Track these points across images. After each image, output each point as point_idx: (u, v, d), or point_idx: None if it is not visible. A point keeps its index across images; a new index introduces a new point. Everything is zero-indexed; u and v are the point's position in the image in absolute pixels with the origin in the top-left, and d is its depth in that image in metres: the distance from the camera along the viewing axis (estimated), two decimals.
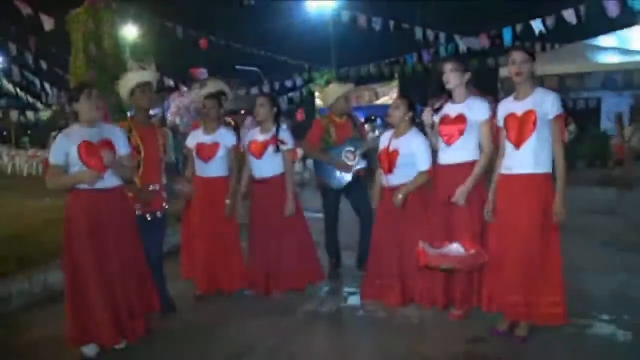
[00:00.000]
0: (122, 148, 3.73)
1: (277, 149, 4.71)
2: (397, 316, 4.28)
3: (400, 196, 4.29)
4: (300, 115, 16.87)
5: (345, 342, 3.94)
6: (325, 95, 5.42)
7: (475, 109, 3.98)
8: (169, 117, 13.09)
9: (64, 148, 3.51)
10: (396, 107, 4.42)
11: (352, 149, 5.11)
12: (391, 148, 4.40)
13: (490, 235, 3.81)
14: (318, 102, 17.37)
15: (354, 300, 4.71)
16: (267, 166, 4.76)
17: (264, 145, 4.73)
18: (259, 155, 4.75)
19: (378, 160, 4.57)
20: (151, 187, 4.02)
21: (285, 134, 4.80)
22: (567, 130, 15.74)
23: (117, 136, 3.74)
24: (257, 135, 4.82)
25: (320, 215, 5.47)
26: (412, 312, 4.31)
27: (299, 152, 19.82)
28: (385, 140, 4.52)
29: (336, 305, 4.66)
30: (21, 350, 3.92)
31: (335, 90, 5.30)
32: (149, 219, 4.08)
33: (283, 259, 4.75)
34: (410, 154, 4.32)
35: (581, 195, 9.99)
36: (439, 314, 4.23)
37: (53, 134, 3.42)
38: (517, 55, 3.61)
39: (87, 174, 3.47)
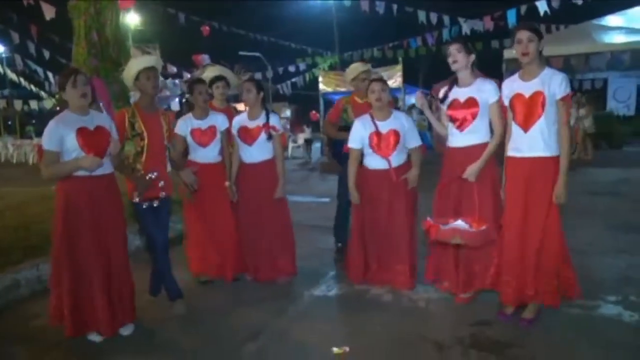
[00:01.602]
0: (113, 135, 3.71)
1: (270, 137, 4.71)
2: (403, 300, 4.29)
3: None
4: (315, 116, 16.91)
5: (352, 326, 3.94)
6: (348, 71, 5.40)
7: (485, 91, 3.92)
8: None
9: (59, 133, 3.44)
10: (383, 89, 4.41)
11: None
12: (384, 130, 4.41)
13: (504, 218, 3.77)
14: (322, 86, 17.26)
15: (360, 284, 4.70)
16: (257, 152, 4.76)
17: (256, 132, 4.72)
18: (251, 142, 4.74)
19: (367, 145, 4.51)
20: (148, 176, 4.00)
21: (275, 120, 4.80)
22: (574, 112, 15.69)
23: (107, 123, 3.72)
24: (246, 122, 4.79)
25: (325, 199, 5.46)
26: (418, 296, 4.33)
27: (301, 136, 19.86)
28: (367, 125, 4.47)
29: (343, 290, 4.66)
30: (30, 336, 3.95)
31: (357, 67, 5.31)
32: (144, 207, 4.06)
33: (274, 243, 4.81)
34: (405, 133, 4.41)
35: (587, 178, 9.99)
36: (445, 297, 4.24)
37: None
38: (523, 34, 3.51)
39: (89, 159, 3.43)
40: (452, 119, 4.05)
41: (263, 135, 4.70)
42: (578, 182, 9.05)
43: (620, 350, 3.36)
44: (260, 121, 4.74)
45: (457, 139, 4.06)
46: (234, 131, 4.82)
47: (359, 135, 4.50)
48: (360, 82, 5.21)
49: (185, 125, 4.72)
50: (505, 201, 3.77)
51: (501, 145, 3.86)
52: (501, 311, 3.81)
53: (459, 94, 4.03)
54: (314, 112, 15.25)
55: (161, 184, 4.08)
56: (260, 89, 4.82)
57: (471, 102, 3.95)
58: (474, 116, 3.94)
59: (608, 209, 7.47)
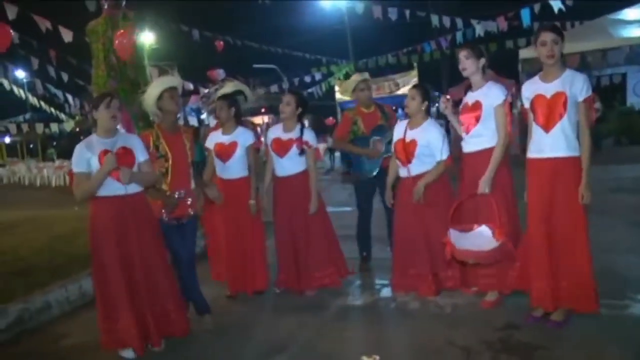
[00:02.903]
0: (140, 155, 3.76)
1: (302, 152, 4.71)
2: (430, 306, 4.28)
3: (421, 187, 4.29)
4: (331, 122, 16.96)
5: (379, 336, 3.93)
6: (346, 86, 5.46)
7: (491, 95, 3.95)
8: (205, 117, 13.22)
9: (85, 156, 3.57)
10: (412, 97, 4.41)
11: (378, 137, 5.13)
12: (408, 139, 4.39)
13: (530, 221, 3.74)
14: (338, 95, 17.31)
15: (386, 292, 4.71)
16: (290, 164, 4.76)
17: (289, 145, 4.72)
18: (283, 154, 4.74)
19: (394, 151, 4.56)
20: (177, 194, 4.05)
21: (309, 135, 4.78)
22: (595, 109, 15.48)
23: (135, 144, 3.78)
24: (280, 134, 4.80)
25: (347, 208, 5.48)
26: (444, 302, 4.30)
27: (322, 146, 19.93)
28: (400, 131, 4.50)
29: (368, 298, 4.66)
30: (60, 355, 4.02)
31: (354, 79, 5.36)
32: (176, 224, 4.11)
33: (312, 256, 4.76)
34: (428, 144, 4.33)
35: (609, 175, 9.85)
36: (471, 302, 4.22)
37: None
38: (548, 36, 3.50)
39: (109, 161, 3.49)
40: (462, 123, 4.11)
41: (295, 149, 4.71)
42: (599, 179, 8.92)
43: None
44: (294, 135, 4.74)
45: (466, 144, 4.12)
46: (268, 143, 4.86)
47: (394, 140, 4.55)
48: (360, 92, 5.23)
49: (211, 140, 4.83)
50: (529, 203, 3.75)
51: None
52: (530, 314, 3.78)
53: (470, 97, 4.08)
54: (330, 118, 15.25)
55: (189, 201, 4.13)
56: (301, 104, 4.79)
57: (476, 106, 4.00)
58: (477, 119, 3.98)
59: (631, 206, 7.36)
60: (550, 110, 3.54)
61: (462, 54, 3.99)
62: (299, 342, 3.87)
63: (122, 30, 6.48)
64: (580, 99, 3.49)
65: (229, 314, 4.56)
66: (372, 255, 5.48)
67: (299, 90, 8.37)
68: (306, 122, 5.03)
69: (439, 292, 4.41)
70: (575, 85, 3.48)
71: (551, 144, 3.55)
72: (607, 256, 4.71)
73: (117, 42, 6.41)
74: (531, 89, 3.68)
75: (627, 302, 3.99)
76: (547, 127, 3.56)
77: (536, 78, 3.70)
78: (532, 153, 3.69)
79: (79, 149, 3.59)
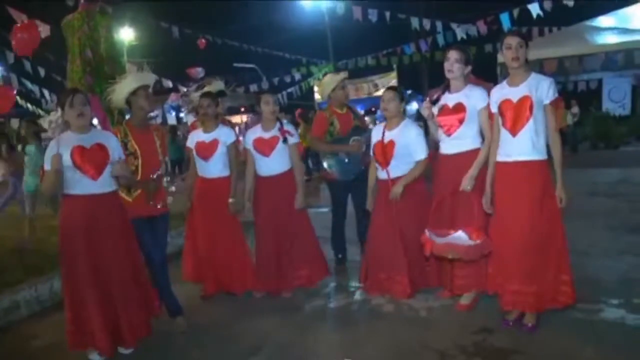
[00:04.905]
0: (116, 154, 3.70)
1: (285, 140, 4.68)
2: (404, 309, 4.27)
3: (399, 188, 4.29)
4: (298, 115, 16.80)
5: (355, 337, 3.92)
6: (322, 87, 5.41)
7: (474, 97, 3.96)
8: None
9: (52, 152, 3.49)
10: (390, 99, 4.40)
11: (358, 137, 5.09)
12: (386, 140, 4.39)
13: (492, 223, 3.79)
14: (317, 96, 17.28)
15: (361, 295, 4.69)
16: (275, 163, 4.72)
17: (274, 142, 4.69)
18: (269, 152, 4.70)
19: (373, 154, 4.55)
20: (152, 176, 4.00)
21: (289, 126, 4.83)
22: (570, 113, 15.74)
23: (110, 142, 3.71)
24: (261, 133, 4.76)
25: (324, 210, 5.45)
26: (419, 304, 4.30)
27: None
28: (378, 133, 4.49)
29: (344, 300, 4.65)
30: (31, 356, 3.94)
31: (331, 80, 5.28)
32: (159, 207, 4.08)
33: (293, 256, 4.74)
34: (406, 145, 4.33)
35: (585, 178, 9.99)
36: (446, 305, 4.23)
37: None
38: (513, 40, 3.56)
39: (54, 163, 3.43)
40: (441, 125, 4.09)
41: (281, 145, 4.68)
42: (576, 182, 9.04)
43: (625, 355, 3.34)
44: (275, 132, 4.73)
45: (446, 146, 4.11)
46: (248, 145, 4.79)
47: (372, 143, 4.53)
48: (340, 91, 5.20)
49: (192, 139, 4.79)
50: (495, 206, 3.77)
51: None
52: (505, 319, 3.78)
53: (449, 99, 4.07)
54: (298, 110, 14.97)
55: (165, 182, 4.08)
56: (278, 103, 4.86)
57: (459, 108, 3.99)
58: (460, 121, 3.98)
59: (608, 209, 7.45)
60: (517, 115, 3.58)
61: (454, 56, 3.95)
62: (274, 343, 3.85)
63: (21, 24, 6.29)
64: (547, 101, 3.54)
65: (203, 315, 4.51)
66: (348, 258, 5.46)
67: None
68: (284, 121, 4.99)
69: (414, 295, 4.40)
70: (540, 89, 3.53)
71: (518, 147, 3.59)
72: (582, 260, 4.75)
73: (17, 35, 6.22)
74: (499, 93, 3.73)
75: (601, 306, 4.01)
76: (514, 131, 3.60)
77: (504, 83, 3.76)
78: (500, 157, 3.72)
79: (51, 146, 3.52)
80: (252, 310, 4.53)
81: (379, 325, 4.06)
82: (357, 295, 4.69)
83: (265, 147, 4.72)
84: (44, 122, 5.71)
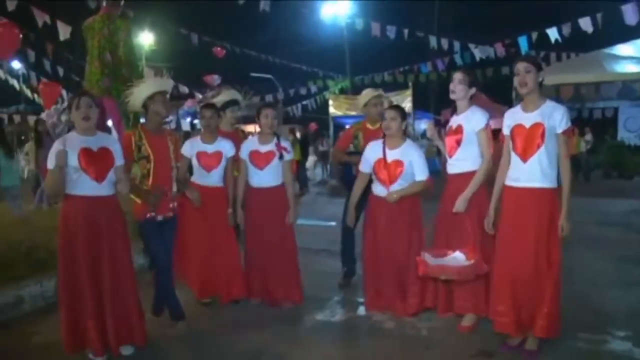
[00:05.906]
0: (119, 159, 3.71)
1: (281, 157, 4.70)
2: (406, 327, 4.24)
3: (395, 195, 4.30)
4: (313, 127, 16.80)
5: (352, 353, 3.91)
6: (359, 99, 5.42)
7: (473, 119, 4.01)
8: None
9: (56, 152, 3.47)
10: (393, 118, 4.40)
11: None
12: (390, 159, 4.39)
13: (498, 247, 3.75)
14: (332, 110, 17.25)
15: (363, 310, 4.66)
16: (268, 177, 4.74)
17: (270, 157, 4.71)
18: (263, 165, 4.72)
19: (373, 172, 4.52)
20: (157, 189, 4.00)
21: (286, 143, 4.84)
22: (584, 141, 15.67)
23: (115, 147, 3.73)
24: (258, 146, 4.77)
25: (331, 223, 5.44)
26: (421, 324, 4.27)
27: (311, 158, 19.81)
28: (377, 150, 4.48)
29: (345, 315, 4.63)
30: (30, 354, 3.95)
31: (366, 94, 5.33)
32: (159, 219, 4.06)
33: (276, 271, 4.75)
34: (411, 165, 4.36)
35: (597, 207, 9.90)
36: (448, 325, 4.19)
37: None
38: (520, 66, 3.57)
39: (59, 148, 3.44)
40: (446, 146, 4.18)
41: (275, 160, 4.70)
42: (587, 211, 8.98)
43: None
44: (271, 146, 4.73)
45: (450, 166, 4.20)
46: (244, 156, 4.80)
47: (368, 159, 4.51)
48: (372, 108, 5.21)
49: (191, 148, 4.75)
50: (500, 229, 3.75)
51: (492, 173, 3.91)
52: (505, 342, 3.75)
53: (454, 121, 4.15)
54: (313, 123, 14.99)
55: (169, 196, 4.08)
56: (277, 116, 4.89)
57: (458, 130, 4.07)
58: (458, 143, 4.05)
59: (618, 240, 7.38)
60: (528, 141, 3.56)
61: (457, 78, 4.05)
62: (273, 354, 3.83)
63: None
64: (559, 130, 3.51)
65: (204, 321, 4.50)
66: (356, 272, 5.42)
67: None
68: (298, 134, 5.03)
69: (417, 313, 4.38)
70: (554, 117, 3.51)
71: (527, 173, 3.57)
72: (589, 290, 4.71)
73: None
74: (512, 117, 3.72)
75: (605, 337, 3.96)
76: (524, 157, 3.58)
77: (518, 107, 3.74)
78: (509, 181, 3.71)
79: (56, 146, 3.51)
80: (253, 319, 4.51)
81: (379, 342, 4.03)
82: (360, 311, 4.67)
83: (260, 160, 4.74)
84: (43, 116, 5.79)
